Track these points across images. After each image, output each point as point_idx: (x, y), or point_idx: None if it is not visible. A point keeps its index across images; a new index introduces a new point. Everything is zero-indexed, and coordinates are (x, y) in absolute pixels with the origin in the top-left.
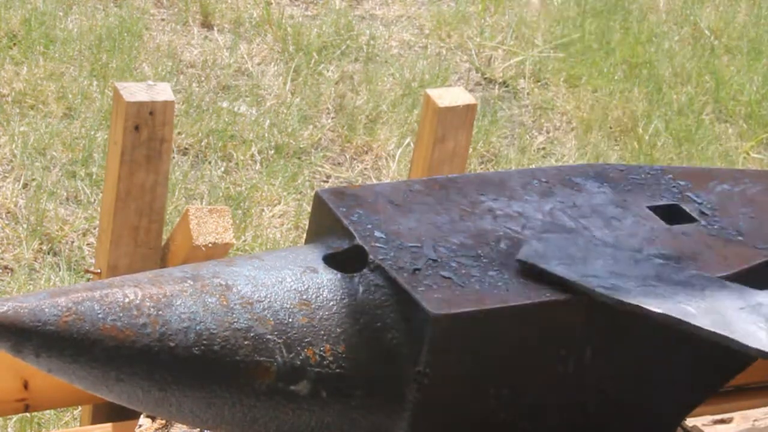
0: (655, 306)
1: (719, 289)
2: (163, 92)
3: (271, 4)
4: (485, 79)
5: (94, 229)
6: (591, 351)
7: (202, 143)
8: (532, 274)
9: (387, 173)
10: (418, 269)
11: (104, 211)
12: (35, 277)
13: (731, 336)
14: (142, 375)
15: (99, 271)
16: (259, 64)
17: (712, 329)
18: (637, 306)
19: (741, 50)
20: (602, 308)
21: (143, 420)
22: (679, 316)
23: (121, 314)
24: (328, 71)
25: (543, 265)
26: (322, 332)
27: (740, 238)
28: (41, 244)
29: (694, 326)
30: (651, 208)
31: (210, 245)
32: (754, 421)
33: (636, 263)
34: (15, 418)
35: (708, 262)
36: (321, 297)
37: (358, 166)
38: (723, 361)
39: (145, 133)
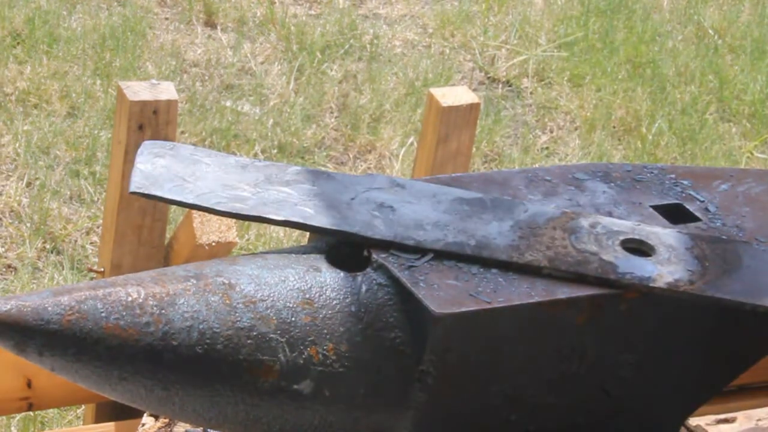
0: (274, 214)
1: (326, 182)
2: (166, 91)
3: (275, 3)
4: (489, 78)
5: (98, 227)
6: (594, 350)
7: (206, 142)
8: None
9: (390, 172)
10: (422, 268)
11: (108, 209)
12: (38, 275)
13: (351, 230)
14: (145, 374)
15: (102, 269)
16: (262, 63)
17: (333, 227)
18: (258, 216)
19: (745, 50)
20: (605, 308)
21: (146, 419)
22: (299, 220)
23: (124, 313)
24: (331, 70)
25: (154, 192)
26: (325, 331)
27: (743, 237)
28: (44, 242)
29: (316, 227)
30: (654, 207)
31: (213, 244)
32: (758, 420)
33: (244, 168)
34: (18, 416)
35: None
36: (324, 296)
37: (361, 166)
38: (726, 361)
39: (149, 132)
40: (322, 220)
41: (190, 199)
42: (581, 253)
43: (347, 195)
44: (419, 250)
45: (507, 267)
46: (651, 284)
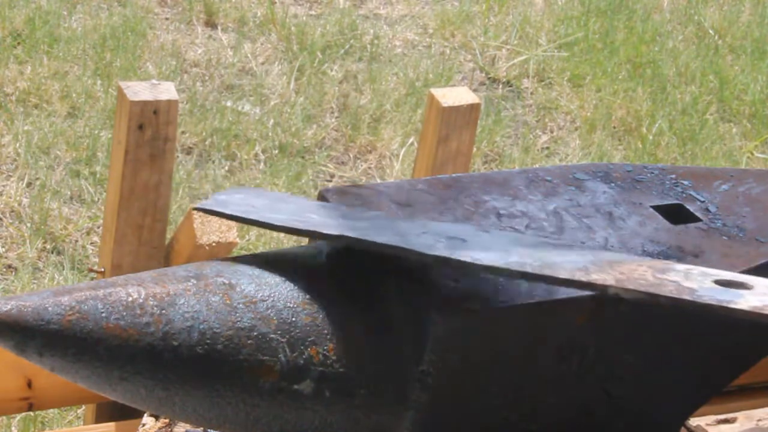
0: (330, 230)
1: (401, 223)
2: (166, 91)
3: (275, 3)
4: (489, 78)
5: (98, 228)
6: (594, 350)
7: (206, 142)
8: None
9: (391, 173)
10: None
11: (108, 210)
12: (39, 276)
13: (409, 247)
14: (145, 374)
15: (102, 269)
16: (263, 63)
17: (391, 243)
18: (313, 231)
19: (745, 50)
20: (605, 308)
21: (146, 419)
22: (354, 235)
23: (124, 313)
24: (332, 70)
25: (217, 209)
26: (326, 331)
27: (744, 237)
28: (45, 243)
29: (371, 242)
30: (655, 207)
31: (213, 244)
32: (758, 420)
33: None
34: (19, 417)
35: (711, 261)
36: (324, 296)
37: (361, 166)
38: (727, 361)
39: (149, 132)
40: (376, 237)
41: (251, 216)
42: (660, 280)
43: (419, 230)
44: (476, 268)
45: (567, 284)
46: (732, 306)
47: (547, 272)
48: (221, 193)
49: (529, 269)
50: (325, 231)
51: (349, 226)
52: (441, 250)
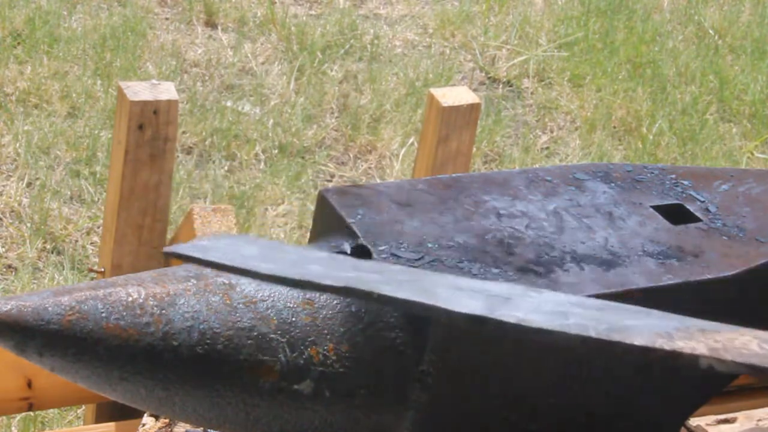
0: (328, 280)
1: (429, 277)
2: (166, 91)
3: (275, 3)
4: (489, 78)
5: (98, 228)
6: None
7: (206, 142)
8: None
9: (391, 173)
10: (422, 269)
11: (108, 210)
12: (39, 276)
13: (428, 302)
14: (145, 374)
15: (102, 269)
16: (263, 63)
17: (417, 299)
18: (308, 282)
19: (745, 50)
20: None
21: (146, 419)
22: (357, 286)
23: (124, 313)
24: (332, 70)
25: (189, 253)
26: (326, 331)
27: (744, 237)
28: (45, 243)
29: (380, 295)
30: (655, 207)
31: None
32: (758, 420)
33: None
34: (19, 416)
35: (711, 261)
36: (324, 296)
37: (361, 166)
38: None
39: (149, 132)
40: (392, 292)
41: (236, 264)
42: None
43: (452, 286)
44: (523, 330)
45: (643, 353)
46: None
47: (616, 338)
48: (204, 239)
49: (592, 333)
50: (325, 282)
51: (357, 278)
52: (474, 305)
